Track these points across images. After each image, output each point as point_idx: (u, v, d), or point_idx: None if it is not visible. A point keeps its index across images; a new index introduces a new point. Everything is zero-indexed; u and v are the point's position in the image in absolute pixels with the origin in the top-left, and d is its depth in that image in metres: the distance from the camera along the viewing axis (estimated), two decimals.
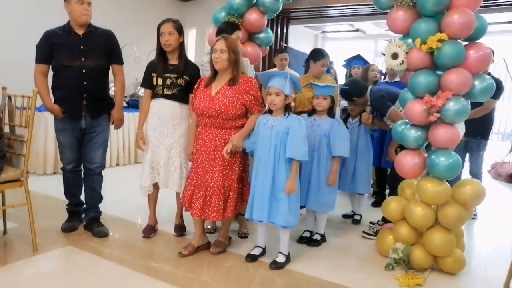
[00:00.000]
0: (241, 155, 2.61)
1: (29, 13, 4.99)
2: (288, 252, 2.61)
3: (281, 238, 2.58)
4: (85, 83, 2.72)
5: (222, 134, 2.54)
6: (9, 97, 2.69)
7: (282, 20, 7.31)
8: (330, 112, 2.86)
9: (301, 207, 2.88)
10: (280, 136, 2.43)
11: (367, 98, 3.29)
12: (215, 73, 2.58)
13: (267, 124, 2.48)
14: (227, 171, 2.55)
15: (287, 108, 2.49)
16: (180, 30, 2.75)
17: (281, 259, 2.56)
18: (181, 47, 2.79)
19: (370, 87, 3.40)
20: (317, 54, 3.39)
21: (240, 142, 2.52)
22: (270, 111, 2.53)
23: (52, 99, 2.79)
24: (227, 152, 2.46)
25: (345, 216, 3.66)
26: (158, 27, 2.73)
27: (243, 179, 2.69)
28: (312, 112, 2.94)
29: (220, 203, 2.53)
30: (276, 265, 2.53)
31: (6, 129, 2.70)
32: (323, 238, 3.01)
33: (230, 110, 2.48)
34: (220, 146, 2.52)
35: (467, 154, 3.89)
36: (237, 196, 2.61)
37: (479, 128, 3.76)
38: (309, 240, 2.97)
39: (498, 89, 3.61)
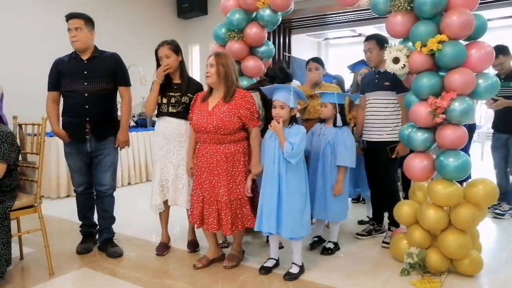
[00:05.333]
0: (245, 168, 2.59)
1: (38, 43, 5.12)
2: (302, 262, 2.60)
3: (293, 249, 2.57)
4: (87, 107, 2.76)
5: (222, 149, 2.54)
6: (20, 125, 2.77)
7: (284, 30, 7.37)
8: (335, 120, 2.83)
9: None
10: None
11: None
12: (211, 89, 2.62)
13: (271, 137, 2.51)
14: (230, 185, 2.55)
15: (292, 120, 2.50)
16: (177, 50, 2.78)
17: (295, 270, 2.55)
18: (181, 65, 2.83)
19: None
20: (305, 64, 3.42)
21: (258, 168, 2.55)
22: None
23: (61, 124, 2.86)
24: (248, 191, 2.54)
25: (361, 223, 3.60)
26: (156, 52, 2.78)
27: (254, 191, 2.69)
28: (323, 120, 2.94)
29: (228, 217, 2.53)
30: (290, 276, 2.51)
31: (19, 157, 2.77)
32: (337, 246, 2.98)
33: (228, 125, 2.49)
34: (221, 161, 2.53)
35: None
36: (248, 209, 2.60)
37: None
38: (323, 249, 2.95)
39: None
